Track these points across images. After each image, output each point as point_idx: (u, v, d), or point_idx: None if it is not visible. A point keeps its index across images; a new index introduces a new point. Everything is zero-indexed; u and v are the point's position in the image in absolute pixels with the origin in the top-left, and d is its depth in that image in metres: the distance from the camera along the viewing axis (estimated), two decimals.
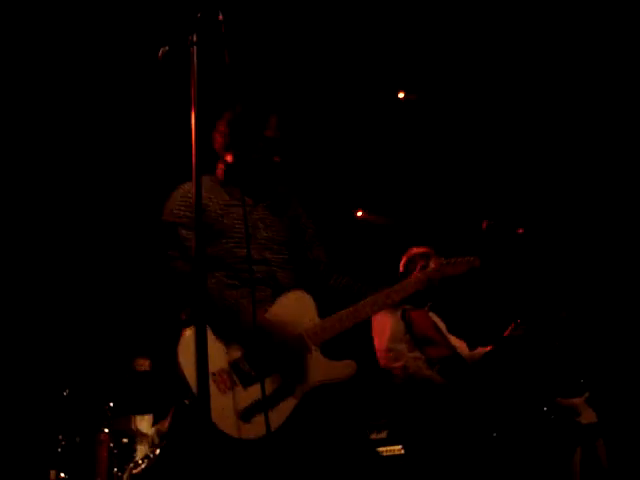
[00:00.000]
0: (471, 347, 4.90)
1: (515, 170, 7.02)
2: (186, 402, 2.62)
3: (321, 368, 2.80)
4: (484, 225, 4.60)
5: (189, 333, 2.63)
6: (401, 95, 6.96)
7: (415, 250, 4.89)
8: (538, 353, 4.91)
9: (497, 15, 5.94)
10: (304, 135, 6.57)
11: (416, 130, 6.95)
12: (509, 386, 4.70)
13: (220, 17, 2.44)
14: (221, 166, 3.10)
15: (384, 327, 4.72)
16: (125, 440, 4.98)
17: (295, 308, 2.85)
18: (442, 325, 4.89)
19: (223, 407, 2.55)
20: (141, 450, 5.04)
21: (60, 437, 4.88)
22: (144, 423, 5.32)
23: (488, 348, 4.80)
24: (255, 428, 2.57)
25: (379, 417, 5.14)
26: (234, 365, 2.67)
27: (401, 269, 4.97)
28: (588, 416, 4.92)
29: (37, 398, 5.58)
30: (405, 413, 4.55)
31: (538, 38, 6.09)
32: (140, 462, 4.75)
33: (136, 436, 5.08)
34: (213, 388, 2.54)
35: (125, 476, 4.74)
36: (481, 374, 4.64)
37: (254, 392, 2.62)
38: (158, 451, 4.63)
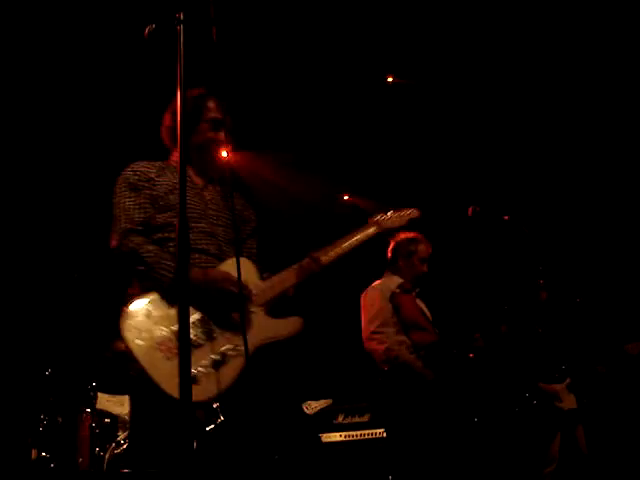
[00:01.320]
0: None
1: (501, 157, 7.03)
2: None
3: (266, 326, 2.89)
4: (470, 211, 4.62)
5: (132, 308, 2.72)
6: (390, 79, 6.93)
7: (403, 235, 4.89)
8: (521, 339, 4.93)
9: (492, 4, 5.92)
10: (295, 119, 6.57)
11: (402, 115, 6.93)
12: (492, 372, 4.72)
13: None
14: (174, 156, 3.14)
15: (372, 309, 4.75)
16: (107, 420, 4.96)
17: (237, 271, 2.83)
18: (428, 312, 4.90)
19: (171, 373, 2.52)
20: (123, 430, 5.02)
21: (42, 416, 4.86)
22: (125, 403, 5.30)
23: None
24: (204, 390, 2.62)
25: (361, 400, 5.16)
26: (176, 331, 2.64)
27: (389, 254, 4.98)
28: (569, 402, 4.96)
29: (19, 377, 5.55)
30: (387, 397, 4.58)
31: (530, 28, 6.09)
32: (122, 442, 4.74)
33: (118, 416, 5.07)
34: (159, 356, 2.62)
35: (107, 456, 4.72)
36: (466, 360, 4.65)
37: (200, 356, 2.67)
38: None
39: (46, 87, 5.88)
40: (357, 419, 5.14)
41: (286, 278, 3.02)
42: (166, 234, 2.89)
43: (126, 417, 5.08)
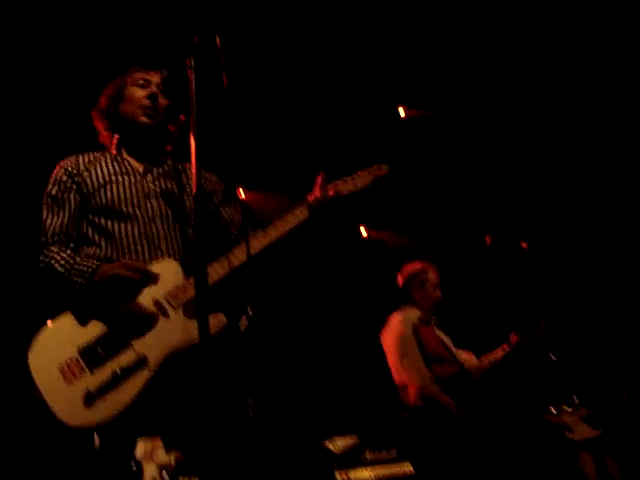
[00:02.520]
0: (478, 356, 4.89)
1: (517, 185, 7.01)
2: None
3: (179, 331, 2.55)
4: (487, 240, 4.61)
5: (39, 335, 2.54)
6: (402, 111, 6.97)
7: (410, 266, 4.95)
8: (533, 367, 4.89)
9: (497, 31, 5.96)
10: (305, 151, 6.60)
11: (418, 145, 6.95)
12: (506, 400, 4.67)
13: (218, 42, 2.45)
14: (113, 142, 2.95)
15: (398, 343, 4.69)
16: None
17: (157, 276, 2.62)
18: (448, 340, 4.87)
19: (69, 399, 2.42)
20: None
21: None
22: None
23: (497, 352, 4.76)
24: (98, 412, 2.41)
25: (387, 435, 5.10)
26: (83, 350, 2.51)
27: (400, 287, 4.96)
28: (582, 432, 4.86)
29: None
30: (417, 433, 4.52)
31: (542, 57, 6.11)
32: None
33: None
34: (60, 381, 2.45)
35: None
36: (488, 386, 4.61)
37: (102, 374, 2.47)
38: None
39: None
40: (385, 455, 5.08)
41: (212, 272, 2.60)
42: (96, 237, 2.70)
43: None
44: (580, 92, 6.38)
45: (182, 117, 2.89)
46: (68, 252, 2.67)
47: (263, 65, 5.84)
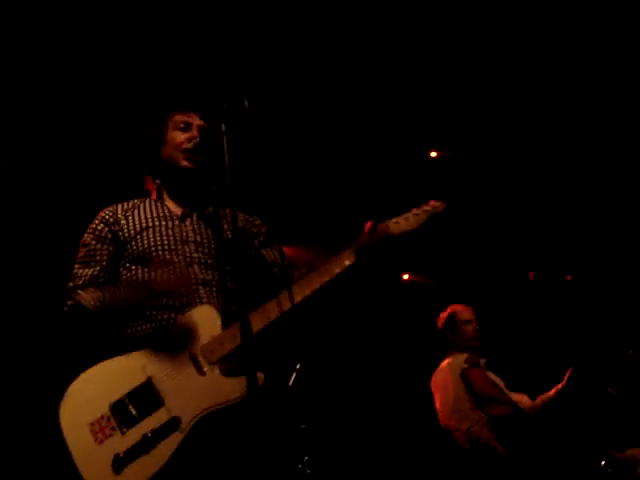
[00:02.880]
0: (532, 398, 4.80)
1: (557, 218, 6.95)
2: None
3: (215, 391, 2.41)
4: (531, 276, 4.55)
5: (70, 389, 2.41)
6: (434, 154, 6.99)
7: (441, 315, 4.96)
8: (592, 403, 4.77)
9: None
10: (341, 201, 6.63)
11: (451, 186, 6.95)
12: (565, 440, 4.55)
13: (246, 104, 2.47)
14: (154, 187, 2.89)
15: (446, 385, 4.66)
16: None
17: (195, 326, 2.50)
18: (500, 382, 4.80)
19: (98, 462, 2.30)
20: None
21: None
22: None
23: (551, 392, 4.68)
24: (128, 479, 2.28)
25: None
26: (115, 407, 2.38)
27: (440, 334, 4.96)
28: None
29: None
30: (467, 477, 4.44)
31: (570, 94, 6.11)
32: None
33: None
34: (90, 441, 2.32)
35: None
36: (544, 424, 4.49)
37: (132, 436, 2.33)
38: None
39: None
40: None
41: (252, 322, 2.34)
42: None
43: None
44: (609, 120, 6.35)
45: (213, 188, 2.81)
46: (97, 290, 2.58)
47: (292, 118, 5.92)
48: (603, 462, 4.54)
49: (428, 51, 5.78)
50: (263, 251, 2.86)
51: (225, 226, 2.76)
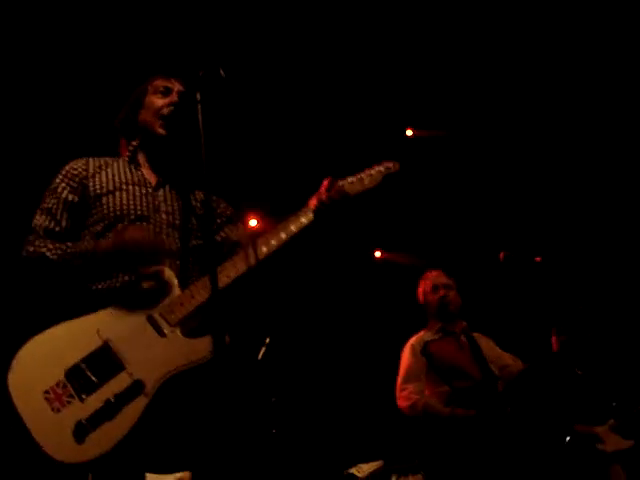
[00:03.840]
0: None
1: (528, 198, 7.01)
2: None
3: (176, 352, 2.36)
4: (501, 256, 4.58)
5: (24, 352, 2.30)
6: (409, 132, 6.99)
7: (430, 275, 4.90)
8: (559, 380, 4.79)
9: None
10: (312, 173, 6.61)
11: (426, 163, 6.96)
12: (531, 414, 4.56)
13: (222, 73, 2.45)
14: (129, 148, 2.82)
15: (401, 365, 4.67)
16: None
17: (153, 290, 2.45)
18: (491, 343, 4.78)
19: (57, 431, 2.20)
20: None
21: None
22: None
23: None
24: (91, 448, 2.20)
25: (412, 458, 5.05)
26: (70, 373, 2.29)
27: (420, 298, 4.93)
28: (613, 444, 4.75)
29: None
30: (428, 451, 4.47)
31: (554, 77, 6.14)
32: None
33: None
34: (46, 410, 2.22)
35: None
36: (511, 397, 4.48)
37: (93, 402, 2.25)
38: None
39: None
40: (411, 478, 5.03)
41: (207, 283, 2.33)
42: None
43: None
44: (589, 105, 6.39)
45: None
46: (60, 244, 2.50)
47: (269, 87, 5.88)
48: (568, 437, 4.59)
49: (409, 29, 5.77)
50: (227, 229, 2.82)
51: (193, 201, 2.75)
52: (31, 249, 2.50)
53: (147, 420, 2.27)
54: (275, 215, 6.56)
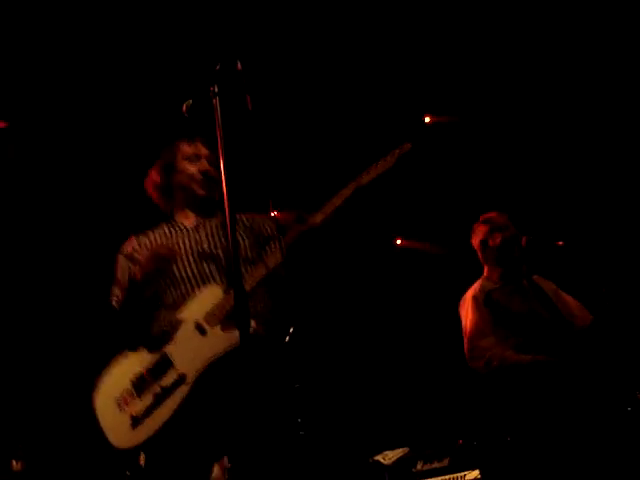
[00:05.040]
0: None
1: (551, 184, 6.96)
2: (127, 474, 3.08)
3: (214, 343, 2.81)
4: (523, 241, 4.53)
5: (107, 376, 2.90)
6: (427, 119, 6.97)
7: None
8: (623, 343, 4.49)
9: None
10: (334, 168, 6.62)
11: (444, 152, 6.94)
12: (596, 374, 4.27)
13: (239, 67, 2.49)
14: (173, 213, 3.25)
15: (465, 323, 4.38)
16: None
17: (202, 300, 2.90)
18: (553, 286, 4.47)
19: (119, 424, 2.78)
20: None
21: None
22: None
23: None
24: (142, 431, 2.73)
25: (439, 444, 5.04)
26: (134, 379, 2.83)
27: (476, 244, 4.62)
28: None
29: None
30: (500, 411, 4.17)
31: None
32: None
33: None
34: (115, 410, 2.80)
35: None
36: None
37: (147, 397, 2.78)
38: None
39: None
40: (437, 464, 5.04)
41: (246, 277, 2.81)
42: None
43: None
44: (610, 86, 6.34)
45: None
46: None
47: (286, 85, 5.90)
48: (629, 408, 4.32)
49: (420, 18, 5.75)
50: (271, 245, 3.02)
51: (240, 230, 3.05)
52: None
53: (189, 405, 2.74)
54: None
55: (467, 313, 4.38)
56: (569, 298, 4.50)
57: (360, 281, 7.16)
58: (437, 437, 5.09)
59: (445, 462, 4.89)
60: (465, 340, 4.36)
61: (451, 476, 4.83)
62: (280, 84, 5.78)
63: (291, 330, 5.15)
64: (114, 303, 3.04)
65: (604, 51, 5.97)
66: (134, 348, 2.90)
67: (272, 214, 3.13)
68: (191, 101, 2.79)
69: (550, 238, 4.52)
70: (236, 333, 2.46)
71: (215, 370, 2.79)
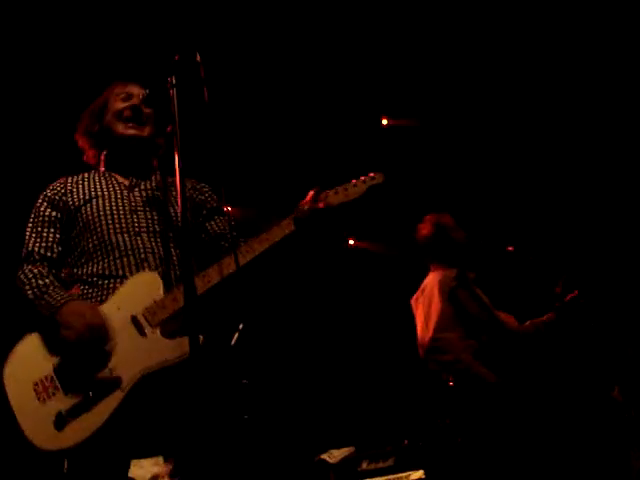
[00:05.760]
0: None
1: (502, 190, 7.05)
2: None
3: (155, 351, 2.50)
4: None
5: (20, 346, 2.54)
6: (384, 122, 7.00)
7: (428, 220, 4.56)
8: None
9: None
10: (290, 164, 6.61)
11: (399, 156, 6.97)
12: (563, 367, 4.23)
13: (198, 58, 2.47)
14: (102, 159, 2.93)
15: (430, 311, 4.30)
16: None
17: (138, 291, 2.60)
18: (486, 299, 4.39)
19: (40, 420, 2.42)
20: None
21: None
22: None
23: (543, 318, 4.31)
24: (68, 436, 2.40)
25: (384, 444, 5.07)
26: (58, 368, 2.50)
27: (423, 243, 4.55)
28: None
29: None
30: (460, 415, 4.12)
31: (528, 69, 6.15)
32: None
33: None
34: (33, 400, 2.44)
35: None
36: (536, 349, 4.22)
37: (75, 395, 2.45)
38: None
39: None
40: (382, 464, 5.07)
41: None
42: (82, 260, 2.69)
43: None
44: (569, 92, 6.41)
45: (169, 128, 2.67)
46: (45, 279, 2.64)
47: (245, 77, 5.86)
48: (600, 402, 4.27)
49: (383, 18, 5.76)
50: (212, 221, 2.90)
51: (173, 194, 2.80)
52: (20, 275, 2.66)
53: (123, 413, 2.44)
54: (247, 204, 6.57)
55: (432, 300, 4.29)
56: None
57: (311, 280, 7.15)
58: (383, 437, 5.11)
59: (390, 462, 4.93)
60: (427, 327, 4.27)
61: (395, 476, 4.87)
62: (238, 76, 5.73)
63: (240, 327, 5.14)
64: (34, 256, 2.70)
65: (573, 46, 6.01)
66: (54, 325, 2.52)
67: (225, 208, 3.01)
68: (147, 91, 2.76)
69: (501, 244, 4.58)
70: (183, 343, 2.37)
71: (154, 380, 2.49)
